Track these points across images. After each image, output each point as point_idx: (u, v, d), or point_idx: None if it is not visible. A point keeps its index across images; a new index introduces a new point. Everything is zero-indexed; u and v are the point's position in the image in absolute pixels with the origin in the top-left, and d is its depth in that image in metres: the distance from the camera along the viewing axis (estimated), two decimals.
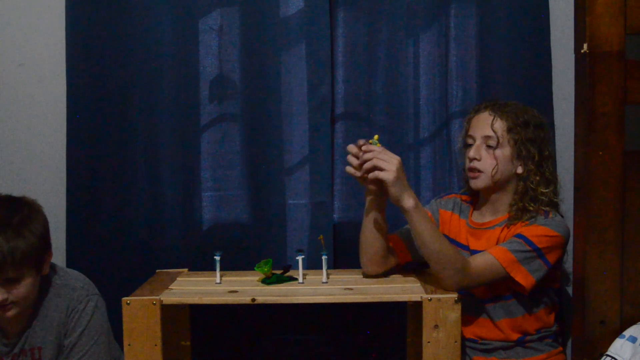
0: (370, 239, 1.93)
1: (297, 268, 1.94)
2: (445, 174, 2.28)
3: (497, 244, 1.93)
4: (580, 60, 2.09)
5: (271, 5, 2.24)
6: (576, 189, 2.17)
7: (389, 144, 2.26)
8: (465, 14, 2.24)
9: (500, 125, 1.95)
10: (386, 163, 1.77)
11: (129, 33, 2.25)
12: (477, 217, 2.05)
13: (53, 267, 1.97)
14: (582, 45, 2.01)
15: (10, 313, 1.85)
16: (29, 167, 2.32)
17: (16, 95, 2.32)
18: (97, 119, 2.27)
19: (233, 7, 2.25)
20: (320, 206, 2.27)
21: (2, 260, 1.76)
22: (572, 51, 2.17)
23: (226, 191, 2.30)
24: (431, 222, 1.85)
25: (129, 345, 1.77)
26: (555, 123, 2.26)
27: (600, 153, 2.00)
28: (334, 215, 2.28)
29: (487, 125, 1.96)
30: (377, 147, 1.80)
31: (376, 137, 1.84)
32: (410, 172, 2.27)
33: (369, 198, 1.90)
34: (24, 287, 1.83)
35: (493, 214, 2.02)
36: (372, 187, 1.87)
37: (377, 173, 1.79)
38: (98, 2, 2.24)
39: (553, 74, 2.26)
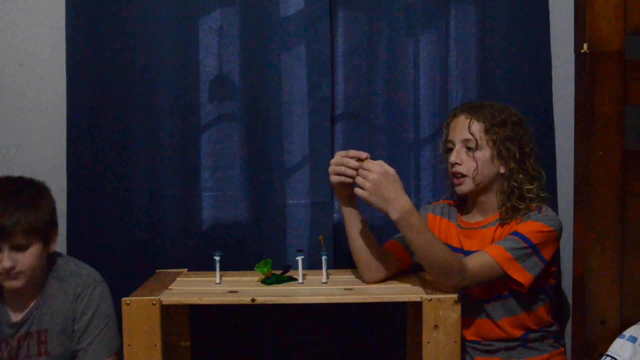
0: (357, 246, 1.93)
1: (297, 268, 1.95)
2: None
3: (492, 242, 1.93)
4: (580, 60, 2.09)
5: (271, 5, 2.24)
6: (576, 189, 2.17)
7: (389, 144, 2.28)
8: (465, 14, 2.24)
9: (477, 127, 1.95)
10: (362, 180, 1.79)
11: (129, 33, 2.25)
12: (467, 218, 2.05)
13: (59, 254, 2.04)
14: (582, 45, 2.01)
15: (17, 283, 1.90)
16: (29, 167, 2.32)
17: (16, 95, 2.32)
18: (97, 119, 2.27)
19: (233, 7, 2.25)
20: (320, 206, 2.27)
21: (13, 226, 1.85)
22: (572, 51, 2.17)
23: (226, 191, 2.30)
24: (424, 228, 1.82)
25: (129, 345, 1.77)
26: (555, 123, 2.26)
27: (600, 153, 2.00)
28: (334, 215, 2.28)
29: (464, 128, 1.96)
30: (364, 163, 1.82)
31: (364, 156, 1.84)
32: (410, 172, 2.28)
33: (342, 207, 1.93)
34: (30, 257, 1.89)
35: (483, 215, 2.02)
36: (340, 195, 1.91)
37: (355, 190, 1.81)
38: (98, 2, 2.24)
39: (553, 74, 2.26)
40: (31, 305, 1.97)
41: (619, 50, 1.97)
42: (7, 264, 1.87)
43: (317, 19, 2.23)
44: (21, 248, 1.88)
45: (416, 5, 2.24)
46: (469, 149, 1.96)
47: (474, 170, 1.95)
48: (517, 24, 2.23)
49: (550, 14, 2.24)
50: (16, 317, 1.97)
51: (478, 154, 1.95)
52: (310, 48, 2.24)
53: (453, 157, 1.97)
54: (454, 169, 1.98)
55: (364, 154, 1.82)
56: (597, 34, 1.98)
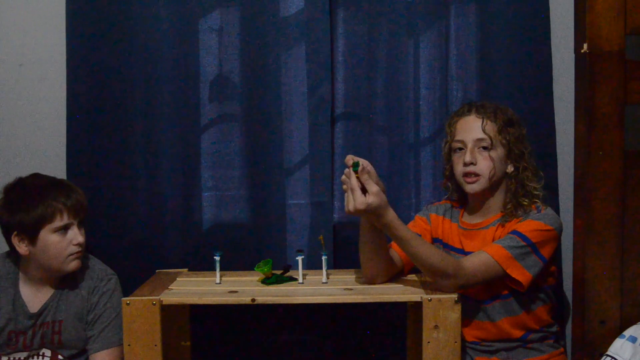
0: (368, 254, 1.90)
1: (297, 268, 1.94)
2: None
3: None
4: (580, 60, 2.09)
5: (271, 5, 2.24)
6: (576, 189, 2.17)
7: (389, 144, 2.28)
8: (465, 14, 2.24)
9: (491, 127, 1.95)
10: (348, 197, 1.75)
11: (129, 33, 2.25)
12: (469, 219, 2.05)
13: None
14: (582, 45, 2.01)
15: (79, 263, 2.01)
16: (29, 167, 2.32)
17: (16, 95, 2.32)
18: (97, 119, 2.27)
19: (233, 7, 2.26)
20: (320, 206, 2.27)
21: (83, 203, 2.00)
22: (572, 51, 2.17)
23: (226, 191, 2.30)
24: (411, 236, 1.80)
25: (129, 345, 1.77)
26: (555, 123, 2.26)
27: (600, 153, 2.00)
28: (334, 215, 2.28)
29: (477, 128, 1.95)
30: (353, 179, 1.74)
31: (353, 163, 1.75)
32: (410, 172, 2.28)
33: None
34: (84, 236, 2.02)
35: (485, 215, 2.01)
36: None
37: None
38: (98, 2, 2.24)
39: (553, 74, 2.26)
40: (48, 297, 2.03)
41: (619, 50, 1.97)
42: (81, 238, 1.98)
43: (317, 19, 2.22)
44: (83, 226, 2.01)
45: (416, 5, 2.24)
46: (482, 148, 1.96)
47: (491, 170, 1.95)
48: (517, 24, 2.23)
49: (550, 14, 2.24)
50: (34, 309, 2.02)
51: (492, 153, 1.95)
52: (310, 48, 2.24)
53: (468, 157, 1.95)
54: (468, 169, 1.96)
55: (350, 161, 1.75)
56: (597, 34, 1.98)
